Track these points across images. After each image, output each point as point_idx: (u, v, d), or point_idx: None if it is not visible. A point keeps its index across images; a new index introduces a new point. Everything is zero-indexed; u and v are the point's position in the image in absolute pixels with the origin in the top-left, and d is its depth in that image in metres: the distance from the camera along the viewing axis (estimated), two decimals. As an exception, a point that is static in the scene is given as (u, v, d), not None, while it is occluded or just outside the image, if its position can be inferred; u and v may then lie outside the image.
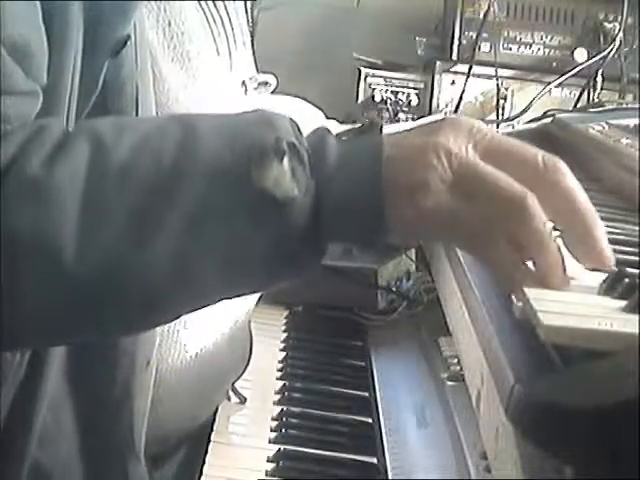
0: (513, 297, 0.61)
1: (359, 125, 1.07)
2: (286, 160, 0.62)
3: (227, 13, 0.98)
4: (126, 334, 0.76)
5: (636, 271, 0.63)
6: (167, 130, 0.65)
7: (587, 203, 0.60)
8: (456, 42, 1.59)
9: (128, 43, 0.75)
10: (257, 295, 1.06)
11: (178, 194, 0.62)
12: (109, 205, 0.62)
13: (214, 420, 1.06)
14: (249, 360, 1.12)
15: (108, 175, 0.62)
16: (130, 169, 0.62)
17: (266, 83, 1.09)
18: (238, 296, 0.70)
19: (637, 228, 0.79)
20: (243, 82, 1.00)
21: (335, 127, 1.16)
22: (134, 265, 0.62)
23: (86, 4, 0.72)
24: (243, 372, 1.11)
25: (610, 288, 0.61)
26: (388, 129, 0.99)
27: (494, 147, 0.62)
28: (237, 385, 1.11)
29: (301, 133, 0.65)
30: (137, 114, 0.78)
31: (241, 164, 0.62)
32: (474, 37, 1.56)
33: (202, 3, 0.94)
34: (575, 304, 0.57)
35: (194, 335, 0.93)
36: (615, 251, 0.70)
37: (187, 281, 0.64)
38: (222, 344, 0.98)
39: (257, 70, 1.08)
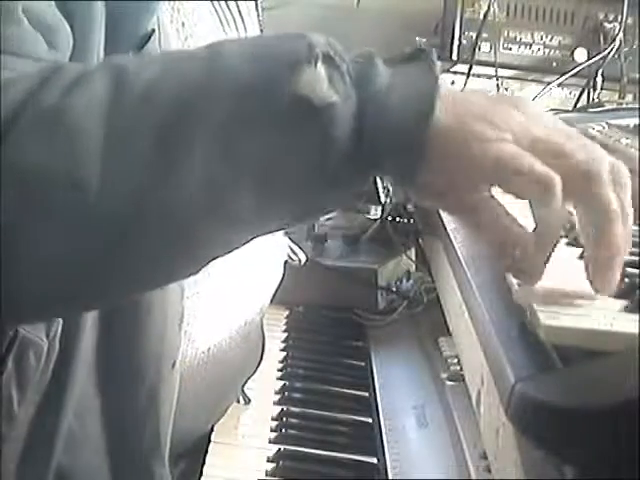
0: (510, 280, 0.63)
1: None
2: (320, 66, 0.57)
3: (239, 13, 0.97)
4: (152, 280, 0.66)
5: (636, 271, 0.63)
6: (194, 55, 0.61)
7: (615, 228, 0.58)
8: (456, 42, 1.59)
9: (152, 37, 0.75)
10: (270, 293, 1.06)
11: (206, 111, 0.57)
12: (132, 129, 0.57)
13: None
14: (261, 359, 1.12)
15: (130, 102, 0.57)
16: (154, 89, 0.57)
17: None
18: (272, 231, 0.64)
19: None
20: None
21: None
22: (161, 192, 0.57)
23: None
24: (255, 371, 1.11)
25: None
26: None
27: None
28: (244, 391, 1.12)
29: (340, 48, 0.59)
30: None
31: (272, 74, 0.57)
32: (474, 37, 1.56)
33: (215, 4, 0.93)
34: (575, 304, 0.57)
35: (208, 335, 0.93)
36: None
37: (219, 209, 0.58)
38: (236, 343, 0.98)
39: None
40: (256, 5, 1.05)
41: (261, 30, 1.05)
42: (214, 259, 0.63)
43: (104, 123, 0.56)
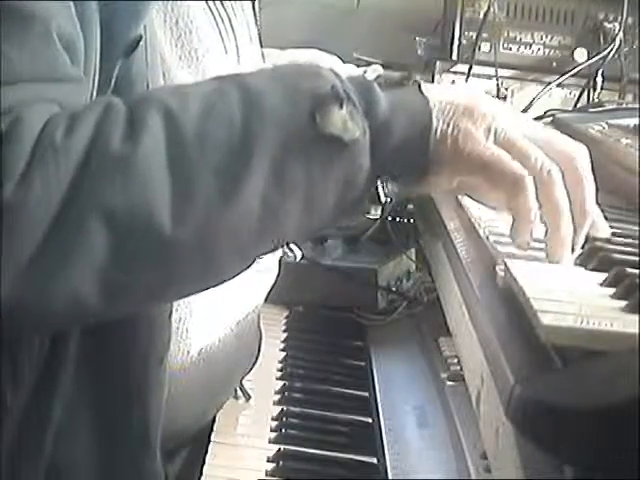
0: (497, 268, 0.69)
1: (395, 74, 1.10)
2: (344, 105, 0.68)
3: (233, 10, 0.98)
4: (213, 286, 0.76)
5: (636, 271, 0.63)
6: (227, 91, 0.69)
7: (561, 210, 0.70)
8: (456, 42, 1.58)
9: (140, 43, 0.76)
10: (266, 291, 1.07)
11: (255, 148, 0.66)
12: (194, 171, 0.65)
13: (214, 420, 1.06)
14: (258, 356, 1.12)
15: (186, 143, 0.66)
16: (204, 134, 0.66)
17: None
18: (309, 236, 0.78)
19: (637, 228, 0.79)
20: None
21: (354, 71, 1.17)
22: (226, 221, 0.67)
23: (101, 7, 0.72)
24: (252, 368, 1.11)
25: (610, 288, 0.61)
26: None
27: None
28: (245, 387, 1.12)
29: (346, 80, 0.71)
30: None
31: (307, 113, 0.68)
32: (474, 37, 1.56)
33: (209, 2, 0.94)
34: (575, 304, 0.57)
35: (202, 332, 0.93)
36: (615, 251, 0.70)
37: (273, 226, 0.69)
38: (230, 340, 0.99)
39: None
40: (253, 4, 1.05)
41: (258, 29, 1.06)
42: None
43: (168, 169, 0.65)
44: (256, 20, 1.05)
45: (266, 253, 0.75)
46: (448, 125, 0.71)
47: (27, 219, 0.61)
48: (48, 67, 0.66)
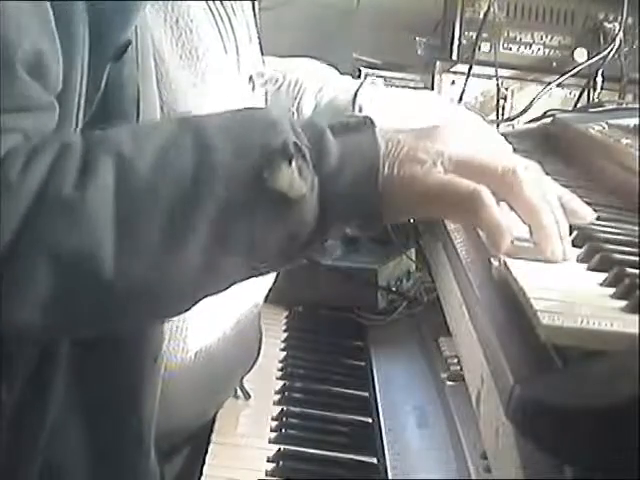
0: (491, 260, 0.69)
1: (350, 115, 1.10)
2: (294, 161, 0.69)
3: (233, 10, 0.98)
4: (154, 323, 0.82)
5: (636, 271, 0.63)
6: (181, 142, 0.70)
7: (537, 205, 0.70)
8: (456, 42, 1.58)
9: (130, 47, 0.76)
10: (265, 291, 1.07)
11: (202, 204, 0.68)
12: (140, 221, 0.67)
13: (214, 419, 1.06)
14: (258, 356, 1.12)
15: (135, 192, 0.67)
16: (154, 185, 0.68)
17: (276, 81, 1.10)
18: (254, 277, 0.76)
19: (637, 228, 0.79)
20: (250, 78, 1.00)
21: (349, 84, 1.17)
22: (169, 270, 0.68)
23: (89, 10, 0.73)
24: (252, 367, 1.11)
25: (610, 288, 0.61)
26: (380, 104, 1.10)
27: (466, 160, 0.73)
28: (245, 386, 1.12)
29: (299, 130, 0.71)
30: (138, 115, 0.78)
31: (255, 170, 0.68)
32: (474, 37, 1.56)
33: (209, 2, 0.94)
34: (575, 304, 0.57)
35: (201, 331, 0.93)
36: (615, 251, 0.70)
37: (215, 274, 0.71)
38: (229, 340, 0.99)
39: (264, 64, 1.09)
40: (253, 5, 1.05)
41: (257, 30, 1.06)
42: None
43: (114, 219, 0.66)
44: (256, 20, 1.05)
45: (211, 295, 0.75)
46: (393, 169, 0.71)
47: None
48: (11, 97, 0.68)
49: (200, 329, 0.93)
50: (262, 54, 1.08)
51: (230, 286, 0.75)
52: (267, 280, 1.07)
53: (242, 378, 1.10)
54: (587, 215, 0.75)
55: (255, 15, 1.06)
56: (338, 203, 0.71)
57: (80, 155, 0.68)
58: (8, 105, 0.68)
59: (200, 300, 0.74)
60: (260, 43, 1.07)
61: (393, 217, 0.75)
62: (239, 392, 1.11)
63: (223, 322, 0.97)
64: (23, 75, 0.68)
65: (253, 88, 1.00)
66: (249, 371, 1.11)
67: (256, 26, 1.05)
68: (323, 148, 0.70)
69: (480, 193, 0.70)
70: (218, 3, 0.95)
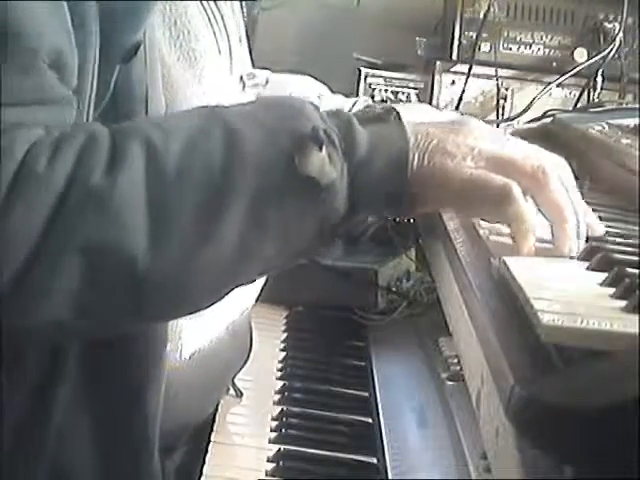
0: (491, 259, 0.70)
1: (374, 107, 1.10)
2: (324, 147, 0.68)
3: (226, 11, 0.98)
4: (190, 314, 0.78)
5: (636, 271, 0.63)
6: (210, 130, 0.69)
7: (562, 203, 0.71)
8: (456, 42, 1.58)
9: (140, 48, 0.76)
10: (256, 292, 1.07)
11: (234, 191, 0.67)
12: (172, 209, 0.66)
13: (214, 420, 1.06)
14: (249, 353, 1.12)
15: (166, 181, 0.66)
16: (185, 173, 0.66)
17: (267, 81, 1.10)
18: (285, 268, 0.76)
19: (637, 228, 0.79)
20: (241, 78, 1.01)
21: (342, 101, 1.18)
22: (202, 260, 0.67)
23: (101, 12, 0.73)
24: (244, 365, 1.11)
25: (610, 288, 0.61)
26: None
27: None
28: (237, 384, 1.12)
29: (326, 117, 0.71)
30: (147, 115, 0.78)
31: (285, 156, 0.68)
32: (474, 37, 1.56)
33: (204, 3, 0.94)
34: (575, 304, 0.57)
35: (197, 331, 0.94)
36: (615, 251, 0.70)
37: (248, 264, 0.70)
38: (225, 339, 0.99)
39: (252, 65, 1.09)
40: (241, 5, 1.06)
41: (246, 30, 1.06)
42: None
43: (147, 207, 0.65)
44: (244, 21, 1.06)
45: (242, 285, 0.75)
46: (424, 160, 0.71)
47: (7, 245, 0.63)
48: (33, 90, 0.67)
49: (197, 329, 0.94)
50: (251, 55, 1.09)
51: (260, 276, 0.75)
52: (257, 284, 1.07)
53: (234, 376, 1.11)
54: (597, 232, 0.75)
55: (244, 15, 1.06)
56: (368, 192, 0.71)
57: (108, 144, 0.67)
58: (32, 97, 0.67)
59: (230, 291, 0.73)
60: (249, 44, 1.07)
61: (421, 208, 0.75)
62: (231, 390, 1.12)
63: (216, 325, 0.98)
64: (46, 70, 0.67)
65: (243, 88, 1.01)
66: (241, 369, 1.11)
67: (245, 27, 1.06)
68: (352, 136, 0.70)
69: (512, 188, 0.70)
70: (212, 4, 0.96)
